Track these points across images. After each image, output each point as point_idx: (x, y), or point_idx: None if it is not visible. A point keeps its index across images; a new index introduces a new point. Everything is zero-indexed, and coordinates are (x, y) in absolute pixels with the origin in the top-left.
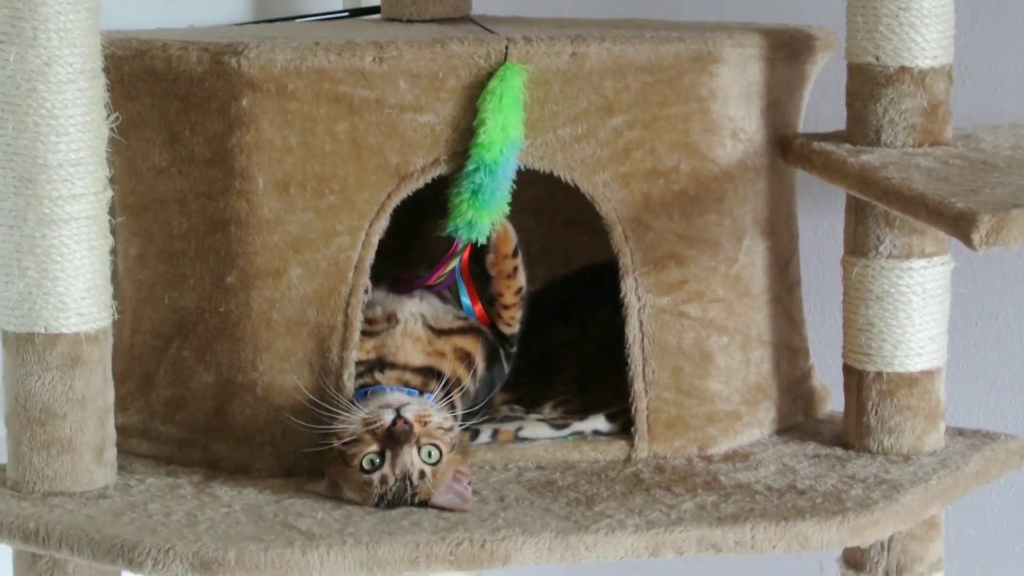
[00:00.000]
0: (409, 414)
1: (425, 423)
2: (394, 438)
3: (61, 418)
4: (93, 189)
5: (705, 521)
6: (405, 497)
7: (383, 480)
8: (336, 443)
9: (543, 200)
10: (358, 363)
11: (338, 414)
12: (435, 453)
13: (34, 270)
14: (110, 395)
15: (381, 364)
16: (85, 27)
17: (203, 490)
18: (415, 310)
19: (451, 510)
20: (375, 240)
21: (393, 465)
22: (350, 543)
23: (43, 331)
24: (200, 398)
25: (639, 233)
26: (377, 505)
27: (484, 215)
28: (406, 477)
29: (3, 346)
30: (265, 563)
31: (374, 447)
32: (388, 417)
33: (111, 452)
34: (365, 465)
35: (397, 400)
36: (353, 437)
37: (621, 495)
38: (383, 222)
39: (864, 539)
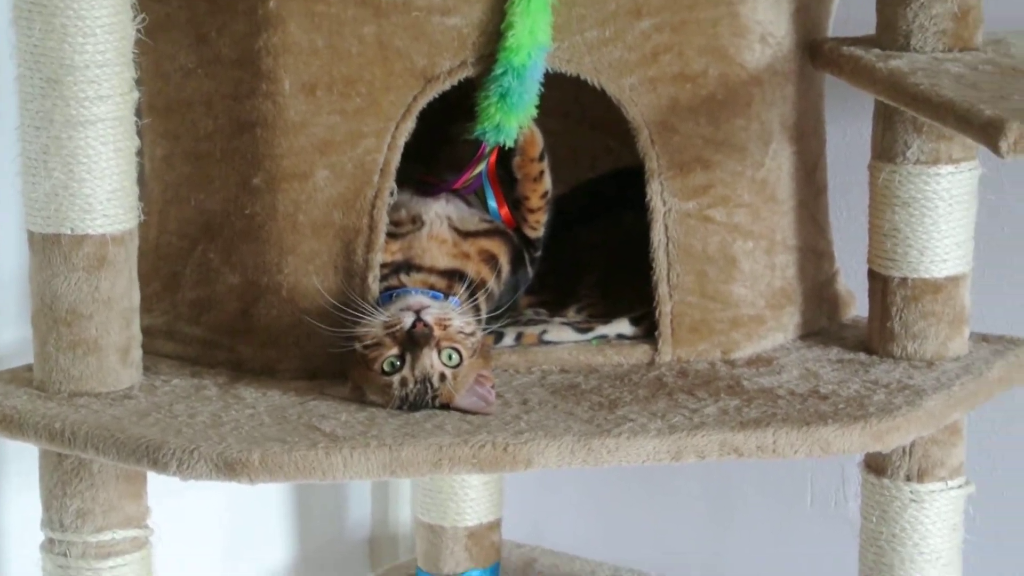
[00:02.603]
0: (429, 317)
1: (445, 326)
2: (414, 340)
3: (87, 319)
4: (119, 90)
5: (727, 425)
6: (426, 399)
7: (403, 382)
8: (358, 346)
9: (569, 103)
10: (383, 265)
11: (361, 317)
12: (455, 356)
13: (60, 171)
14: (136, 296)
15: (407, 266)
16: None
17: (228, 391)
18: (441, 212)
19: (474, 413)
20: (401, 143)
21: (413, 367)
22: (373, 445)
23: (69, 232)
24: (225, 299)
25: (665, 137)
26: (399, 407)
27: (512, 118)
28: (426, 379)
29: (29, 247)
30: (289, 464)
31: (394, 350)
32: (408, 320)
33: (136, 353)
34: (386, 367)
35: (418, 303)
36: (374, 340)
37: (644, 399)
38: (409, 124)
39: (886, 444)
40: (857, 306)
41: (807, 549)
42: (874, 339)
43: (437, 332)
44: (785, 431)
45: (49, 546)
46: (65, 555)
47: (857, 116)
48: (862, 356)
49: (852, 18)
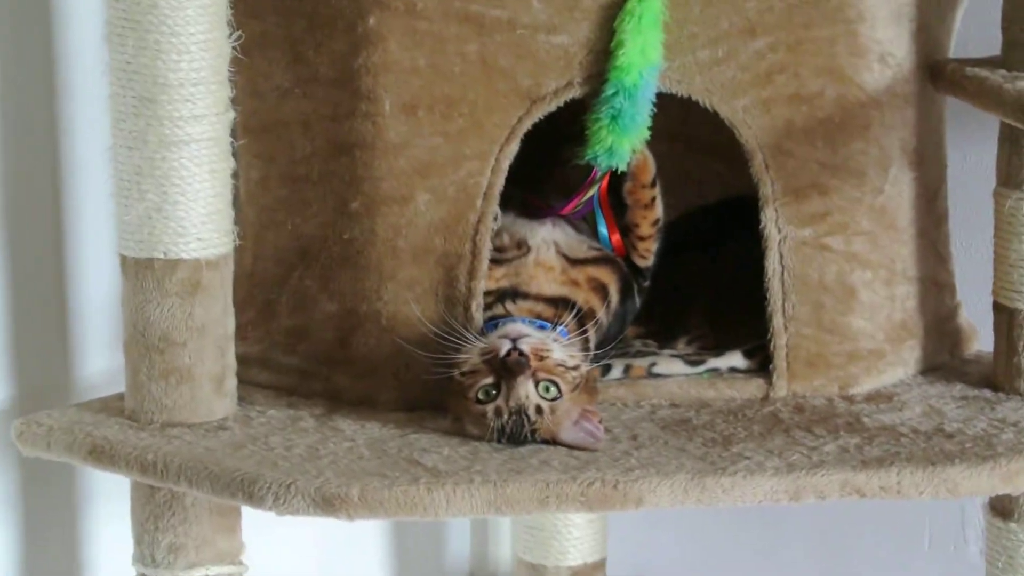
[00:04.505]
0: (525, 346)
1: (543, 357)
2: (508, 369)
3: (180, 346)
4: (215, 110)
5: (848, 464)
6: (524, 433)
7: (497, 412)
8: (456, 373)
9: (676, 126)
10: (487, 293)
11: (462, 345)
12: (553, 389)
13: (154, 193)
14: (230, 323)
15: (514, 294)
16: None
17: (325, 423)
18: (548, 237)
19: (582, 448)
20: (505, 166)
21: (507, 397)
22: (477, 481)
23: (162, 256)
24: (323, 328)
25: (780, 161)
26: (497, 440)
27: (624, 141)
28: (521, 411)
29: (122, 272)
30: (389, 500)
31: (489, 378)
32: (504, 347)
33: (231, 382)
34: (480, 396)
35: (516, 331)
36: (471, 367)
37: (759, 435)
38: (513, 147)
39: (1017, 486)
40: (979, 340)
41: None
42: (999, 375)
43: (534, 362)
44: (910, 471)
45: None
46: None
47: (979, 141)
48: (987, 393)
49: (973, 39)
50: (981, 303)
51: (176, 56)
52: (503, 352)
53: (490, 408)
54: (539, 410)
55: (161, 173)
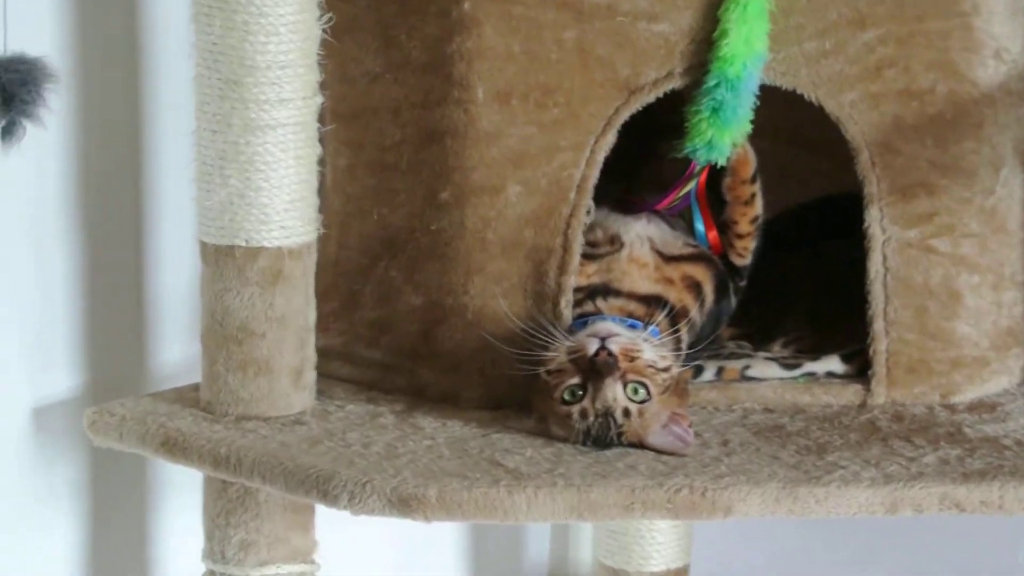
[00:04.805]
0: (615, 346)
1: (633, 358)
2: (596, 369)
3: (259, 337)
4: (302, 94)
5: (948, 477)
6: (610, 436)
7: (583, 414)
8: (542, 371)
9: (779, 120)
10: (578, 289)
11: (550, 343)
12: (642, 391)
13: (237, 178)
14: (311, 314)
15: (604, 290)
16: None
17: (405, 420)
18: (642, 233)
19: (670, 453)
20: (600, 158)
21: (594, 399)
22: (560, 484)
23: (244, 244)
24: (407, 321)
25: (887, 159)
26: (581, 442)
27: (725, 134)
28: (608, 413)
29: (201, 259)
30: (468, 502)
31: (576, 378)
32: (592, 347)
33: (310, 375)
34: (566, 396)
35: (605, 330)
36: (558, 366)
37: (856, 444)
38: (610, 139)
39: None
40: None
41: None
42: None
43: (623, 363)
44: (1013, 485)
45: None
46: None
47: None
48: None
49: None
50: None
51: (264, 38)
52: (591, 352)
53: (576, 409)
54: (627, 413)
55: (245, 158)
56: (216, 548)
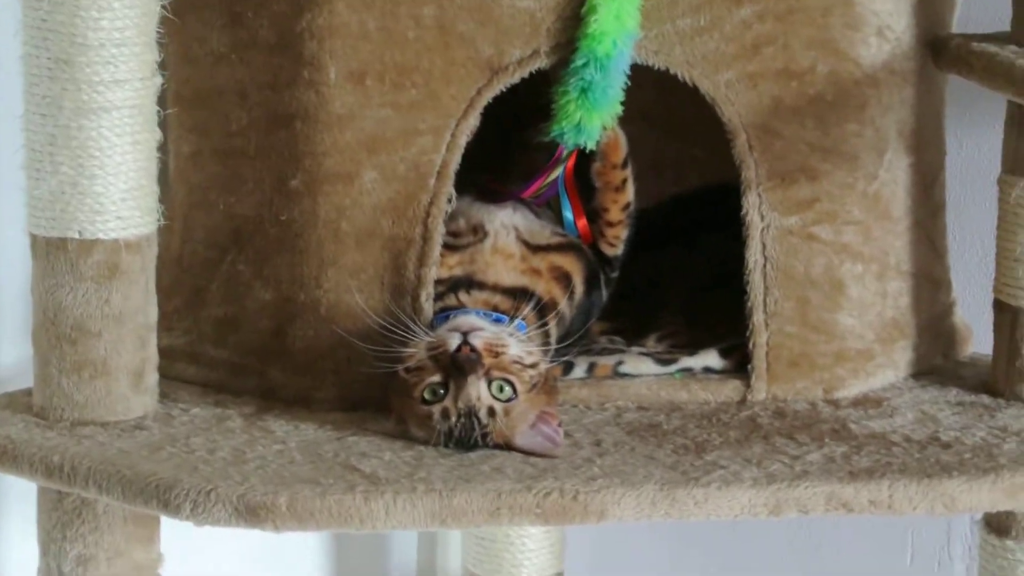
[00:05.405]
0: (477, 341)
1: (498, 354)
2: (458, 366)
3: (95, 336)
4: (139, 74)
5: (835, 476)
6: (474, 437)
7: (445, 414)
8: (400, 369)
9: (651, 105)
10: (439, 281)
11: (408, 338)
12: (507, 389)
13: (68, 166)
14: (153, 312)
15: (468, 283)
16: None
17: (254, 423)
18: (508, 222)
19: (539, 455)
20: (462, 142)
21: (456, 397)
22: (421, 490)
23: (77, 236)
24: (256, 318)
25: (766, 142)
26: (445, 445)
27: (594, 117)
28: (471, 413)
29: (32, 252)
30: (321, 510)
31: (436, 376)
32: (453, 342)
33: (151, 377)
34: (426, 395)
35: (467, 324)
36: (417, 363)
37: (736, 443)
38: (472, 122)
39: (1020, 501)
40: (974, 342)
41: None
42: (999, 380)
43: (487, 359)
44: (903, 484)
45: None
46: None
47: (977, 125)
48: (985, 399)
49: (972, 19)
50: (974, 301)
51: (97, 13)
52: (453, 347)
53: (437, 409)
54: (492, 412)
55: (77, 143)
56: (52, 564)
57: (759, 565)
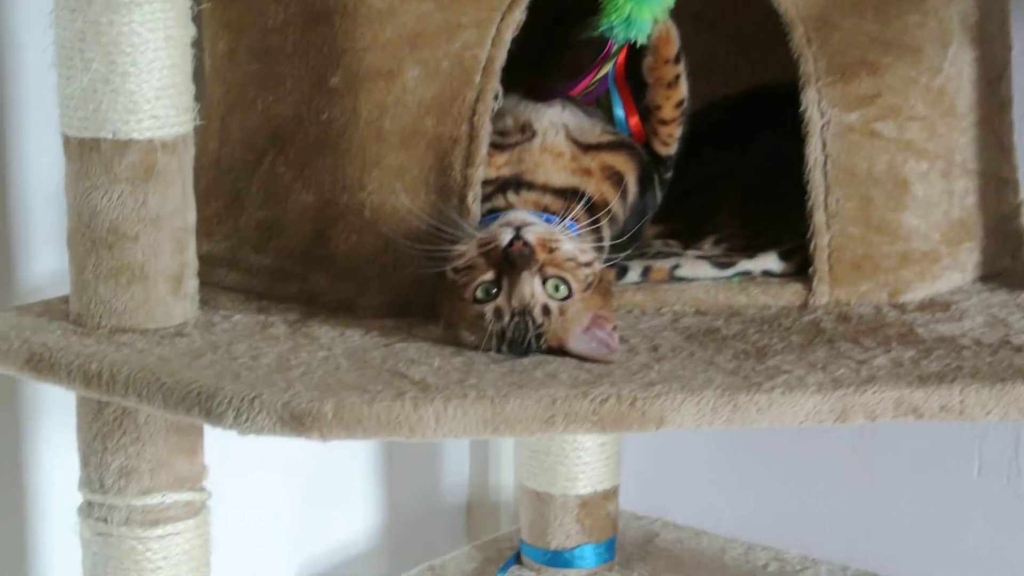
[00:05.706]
0: (531, 235)
1: (552, 250)
2: (511, 262)
3: (132, 240)
4: None
5: (904, 380)
6: (528, 338)
7: (498, 313)
8: (449, 270)
9: (701, 5)
10: (487, 182)
11: (457, 237)
12: (563, 287)
13: (100, 62)
14: (191, 215)
15: (516, 183)
16: None
17: (299, 330)
18: (556, 120)
19: (593, 360)
20: (508, 37)
21: (510, 295)
22: (472, 396)
23: (111, 136)
24: (298, 222)
25: (825, 35)
26: (497, 348)
27: (645, 9)
28: (525, 311)
29: (65, 154)
30: (369, 417)
31: (489, 273)
32: (506, 237)
33: (191, 283)
34: (478, 295)
35: (519, 219)
36: (467, 262)
37: (799, 347)
38: (518, 15)
39: None
40: None
41: (972, 527)
42: None
43: (541, 255)
44: (975, 388)
45: (87, 510)
46: (106, 521)
47: None
48: None
49: None
50: None
51: None
52: (505, 242)
53: (489, 309)
54: (546, 311)
55: (108, 39)
56: (93, 476)
57: (819, 481)
